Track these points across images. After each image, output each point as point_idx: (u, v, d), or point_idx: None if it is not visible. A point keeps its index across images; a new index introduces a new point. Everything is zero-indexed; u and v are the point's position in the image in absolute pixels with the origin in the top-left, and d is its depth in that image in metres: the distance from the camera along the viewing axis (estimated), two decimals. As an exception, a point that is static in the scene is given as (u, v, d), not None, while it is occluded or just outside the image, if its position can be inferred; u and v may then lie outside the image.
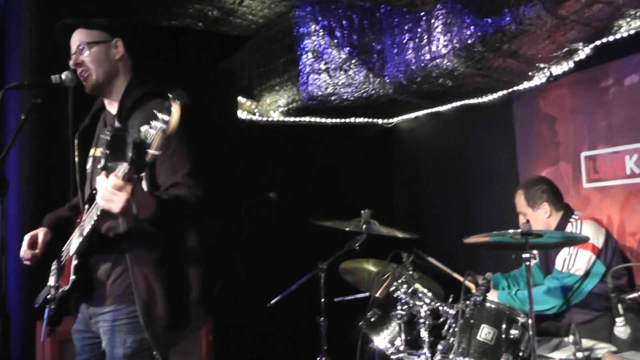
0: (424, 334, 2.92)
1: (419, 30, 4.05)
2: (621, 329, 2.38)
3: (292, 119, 5.00)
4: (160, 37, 4.55)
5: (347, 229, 3.35)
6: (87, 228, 2.01)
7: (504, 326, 2.71)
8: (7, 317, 2.49)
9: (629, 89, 3.74)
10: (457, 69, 3.86)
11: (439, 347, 2.82)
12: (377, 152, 5.55)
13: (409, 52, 4.13)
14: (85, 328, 2.22)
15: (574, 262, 3.17)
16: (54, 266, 2.26)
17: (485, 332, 2.71)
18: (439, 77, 4.04)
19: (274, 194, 4.01)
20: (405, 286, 3.07)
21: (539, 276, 3.51)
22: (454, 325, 2.82)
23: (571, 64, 3.87)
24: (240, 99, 4.93)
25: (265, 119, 5.02)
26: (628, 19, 3.29)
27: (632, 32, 3.45)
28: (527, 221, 2.65)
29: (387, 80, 4.38)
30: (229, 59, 5.25)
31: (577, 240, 2.95)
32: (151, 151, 1.60)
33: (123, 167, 1.66)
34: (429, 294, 3.01)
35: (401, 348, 3.01)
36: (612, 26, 3.39)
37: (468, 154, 4.87)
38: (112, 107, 2.27)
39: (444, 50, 3.84)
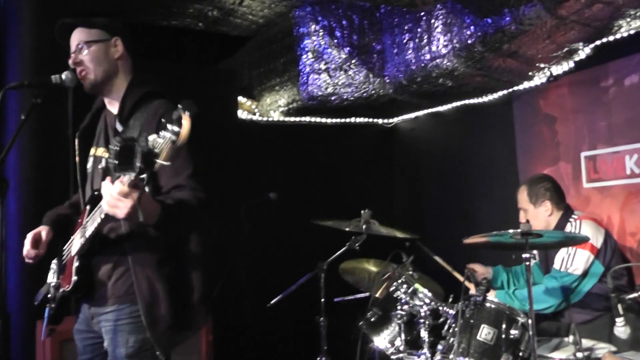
0: (424, 334, 2.93)
1: (419, 30, 4.05)
2: (621, 329, 2.38)
3: (292, 119, 4.99)
4: (160, 37, 4.55)
5: (347, 229, 3.34)
6: (90, 230, 2.01)
7: (504, 326, 2.71)
8: (7, 317, 2.49)
9: (629, 89, 3.74)
10: (457, 69, 3.86)
11: (439, 347, 2.83)
12: (377, 152, 5.55)
13: (409, 52, 4.13)
14: (87, 328, 2.22)
15: (572, 261, 3.18)
16: (54, 264, 2.26)
17: (485, 332, 2.72)
18: (439, 77, 4.04)
19: (273, 194, 4.01)
20: (405, 286, 3.07)
21: (539, 276, 3.51)
22: (454, 325, 2.82)
23: (571, 64, 3.86)
24: (240, 99, 4.93)
25: (265, 119, 5.02)
26: (628, 19, 3.29)
27: (632, 32, 3.45)
28: (527, 220, 2.65)
29: (387, 80, 4.38)
30: (229, 59, 5.25)
31: (577, 240, 2.94)
32: (159, 161, 1.60)
33: (129, 174, 1.66)
34: (429, 294, 3.01)
35: (401, 348, 3.01)
36: (612, 26, 3.39)
37: (468, 154, 4.87)
38: (112, 106, 2.27)
39: (444, 50, 3.84)
